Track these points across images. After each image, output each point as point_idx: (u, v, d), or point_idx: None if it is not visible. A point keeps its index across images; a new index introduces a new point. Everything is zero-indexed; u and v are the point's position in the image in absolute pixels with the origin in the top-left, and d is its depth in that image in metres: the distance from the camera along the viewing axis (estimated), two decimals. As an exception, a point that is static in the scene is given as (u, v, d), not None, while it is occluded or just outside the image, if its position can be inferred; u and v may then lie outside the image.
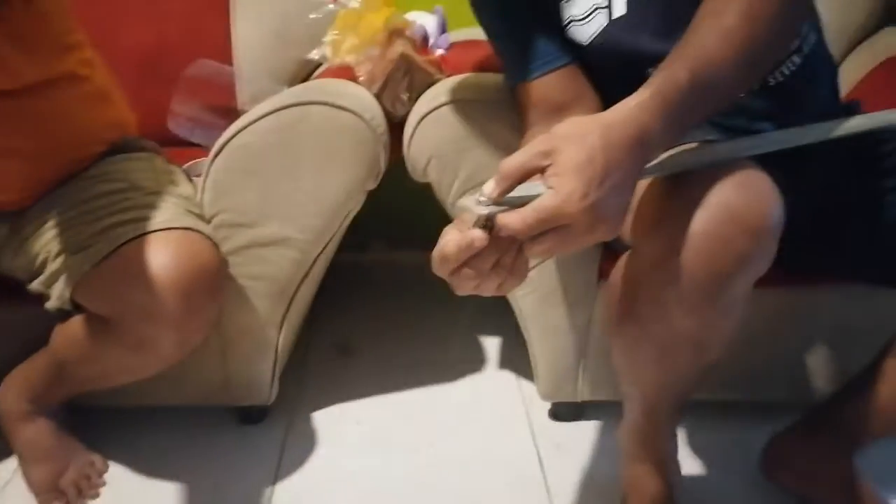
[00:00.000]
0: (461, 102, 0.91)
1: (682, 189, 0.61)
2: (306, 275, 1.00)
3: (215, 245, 0.89)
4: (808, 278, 0.97)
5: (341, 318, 1.45)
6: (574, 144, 0.52)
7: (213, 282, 0.85)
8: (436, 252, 0.56)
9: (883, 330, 0.87)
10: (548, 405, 1.16)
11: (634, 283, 0.68)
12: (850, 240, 0.85)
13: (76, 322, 0.89)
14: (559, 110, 0.79)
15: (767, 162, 0.64)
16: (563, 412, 1.15)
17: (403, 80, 0.95)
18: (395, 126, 0.97)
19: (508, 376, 1.27)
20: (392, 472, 1.05)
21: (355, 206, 0.97)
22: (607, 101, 0.81)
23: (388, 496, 1.00)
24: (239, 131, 0.91)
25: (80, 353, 0.89)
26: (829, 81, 0.85)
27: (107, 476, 1.04)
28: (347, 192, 0.94)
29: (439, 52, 1.09)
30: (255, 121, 0.90)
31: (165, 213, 0.86)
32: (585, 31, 0.78)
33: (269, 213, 0.94)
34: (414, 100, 0.96)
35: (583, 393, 1.09)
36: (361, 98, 0.93)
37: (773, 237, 0.60)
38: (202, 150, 1.24)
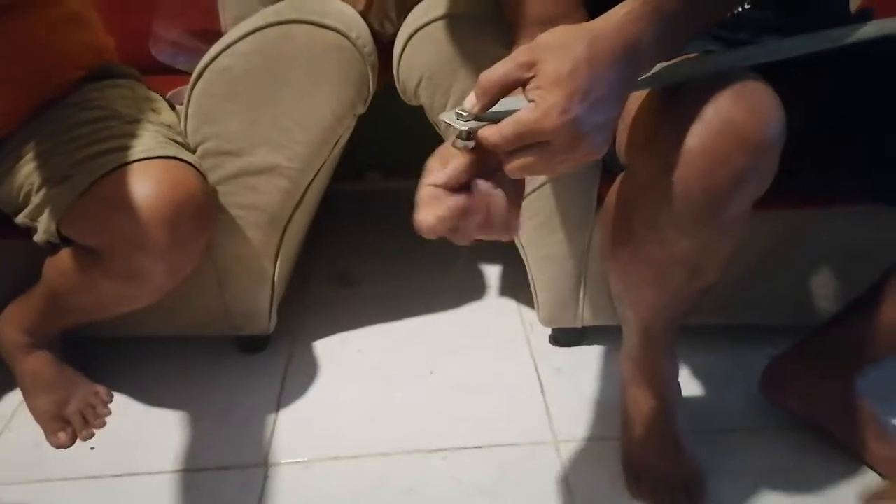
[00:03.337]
0: (451, 18, 0.86)
1: (677, 102, 0.57)
2: (298, 204, 0.98)
3: (201, 173, 0.87)
4: (814, 199, 0.94)
5: (341, 248, 1.44)
6: (557, 55, 0.48)
7: (199, 210, 0.83)
8: (420, 219, 0.51)
9: (889, 251, 0.84)
10: (548, 331, 1.15)
11: (628, 203, 0.65)
12: (862, 156, 0.81)
13: (65, 255, 0.88)
14: (546, 24, 0.74)
15: (772, 73, 0.59)
16: (564, 337, 1.15)
17: (388, 9, 0.89)
18: (384, 47, 0.93)
19: (509, 303, 1.26)
20: (393, 398, 1.05)
21: (345, 131, 0.93)
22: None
23: (389, 422, 1.01)
24: (218, 54, 0.87)
25: (72, 285, 0.89)
26: None
27: (112, 406, 1.05)
28: (336, 116, 0.90)
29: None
30: (235, 42, 0.86)
31: (147, 142, 0.84)
32: None
33: (255, 140, 0.91)
34: (402, 17, 0.91)
35: (583, 318, 1.08)
36: (346, 16, 0.87)
37: (773, 152, 0.57)
38: (186, 76, 1.21)
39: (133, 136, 0.84)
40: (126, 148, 0.82)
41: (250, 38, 0.85)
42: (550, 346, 1.15)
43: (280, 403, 1.05)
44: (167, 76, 1.16)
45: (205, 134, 0.91)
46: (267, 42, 0.85)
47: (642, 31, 0.50)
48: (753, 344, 1.07)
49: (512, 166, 0.51)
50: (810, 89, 0.74)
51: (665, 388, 0.86)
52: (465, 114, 0.51)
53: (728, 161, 0.55)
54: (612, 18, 0.50)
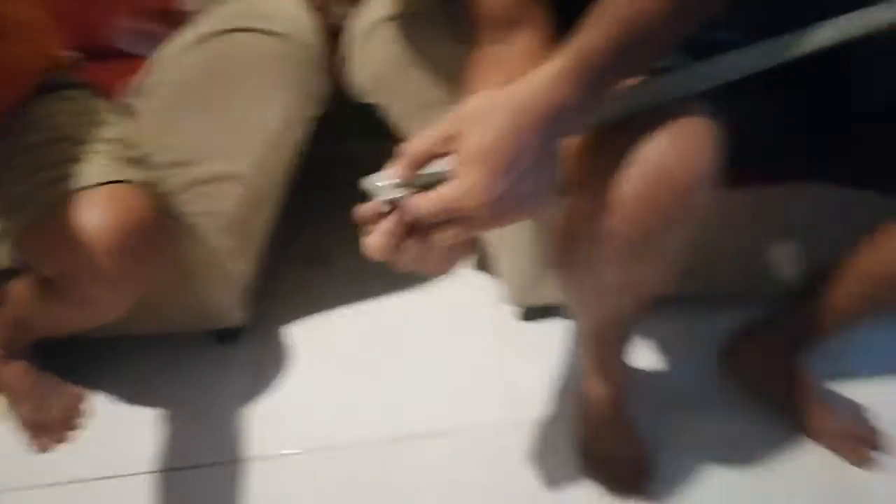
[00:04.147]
0: (400, 18, 0.84)
1: (612, 143, 0.57)
2: (259, 208, 0.98)
3: (151, 193, 0.86)
4: (784, 177, 0.95)
5: (315, 226, 1.42)
6: (480, 129, 0.49)
7: (148, 235, 0.82)
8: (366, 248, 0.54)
9: (850, 231, 0.85)
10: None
11: (568, 233, 0.66)
12: (840, 141, 0.82)
13: (23, 282, 0.88)
14: (509, 26, 0.73)
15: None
16: (533, 313, 1.18)
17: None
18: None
19: (483, 280, 1.28)
20: (365, 385, 1.09)
21: (300, 135, 0.93)
22: (562, 15, 0.75)
23: (361, 410, 1.05)
24: (165, 66, 0.85)
25: (32, 309, 0.90)
26: None
27: (92, 406, 1.08)
28: (287, 121, 0.89)
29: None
30: (182, 53, 0.84)
31: (94, 167, 0.82)
32: None
33: (207, 150, 0.90)
34: (352, 2, 0.88)
35: (548, 297, 1.11)
36: (292, 17, 0.85)
37: (705, 193, 0.58)
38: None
39: (80, 160, 0.82)
40: (73, 175, 0.80)
41: (197, 48, 0.83)
42: (519, 322, 1.18)
43: (255, 392, 1.08)
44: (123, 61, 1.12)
45: (156, 145, 0.89)
46: (213, 52, 0.83)
47: (568, 95, 0.50)
48: (713, 315, 1.10)
49: (437, 238, 0.51)
50: (786, 80, 0.74)
51: (618, 378, 0.90)
52: (388, 182, 0.52)
53: (659, 206, 0.56)
54: (535, 82, 0.50)
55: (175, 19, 1.16)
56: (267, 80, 0.85)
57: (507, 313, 1.20)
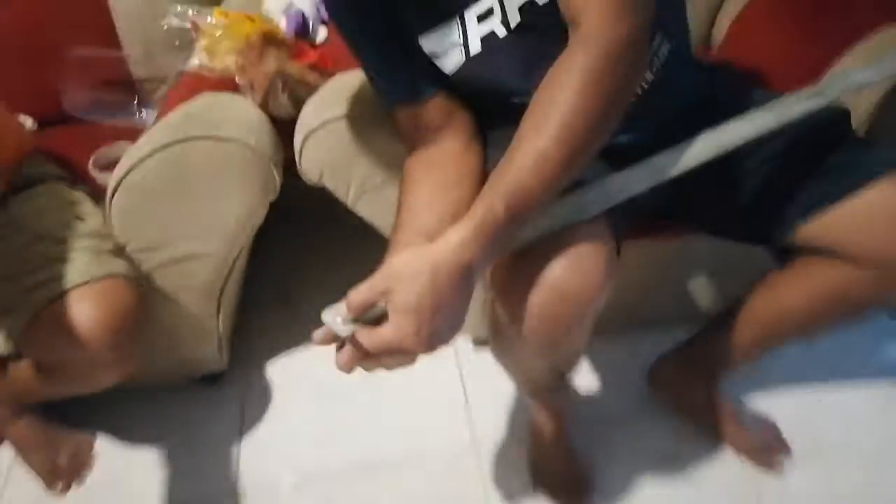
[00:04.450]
0: (345, 118, 0.92)
1: (520, 265, 0.68)
2: (228, 275, 1.08)
3: (132, 281, 0.95)
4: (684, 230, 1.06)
5: (278, 263, 1.51)
6: (406, 287, 0.60)
7: (135, 322, 0.92)
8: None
9: (751, 263, 0.96)
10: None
11: (493, 328, 0.78)
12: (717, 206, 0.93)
13: (24, 365, 0.99)
14: (434, 131, 0.82)
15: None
16: (484, 339, 1.30)
17: (283, 93, 0.95)
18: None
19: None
20: (341, 415, 1.22)
21: (259, 218, 1.02)
22: (482, 115, 0.84)
23: (340, 440, 1.18)
24: (128, 171, 0.93)
25: (33, 385, 1.01)
26: (690, 73, 0.87)
27: (97, 449, 1.20)
28: (247, 212, 0.98)
29: (320, 37, 1.05)
30: (143, 160, 0.92)
31: (78, 265, 0.91)
32: (446, 65, 0.78)
33: (175, 238, 0.99)
34: (300, 106, 0.97)
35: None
36: (245, 122, 0.94)
37: (600, 303, 0.69)
38: (104, 125, 1.25)
39: (64, 259, 0.92)
40: (59, 276, 0.90)
41: (155, 156, 0.91)
42: (475, 346, 1.30)
43: (242, 430, 1.21)
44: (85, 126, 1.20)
45: (128, 237, 0.99)
46: (170, 159, 0.92)
47: (473, 256, 0.61)
48: (645, 338, 1.23)
49: (383, 365, 0.64)
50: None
51: (558, 411, 1.03)
52: (339, 319, 0.63)
53: (560, 321, 0.68)
54: (448, 246, 0.61)
55: (130, 89, 1.24)
56: (223, 181, 0.94)
57: (463, 340, 1.31)
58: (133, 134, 1.10)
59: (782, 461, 1.07)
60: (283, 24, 1.07)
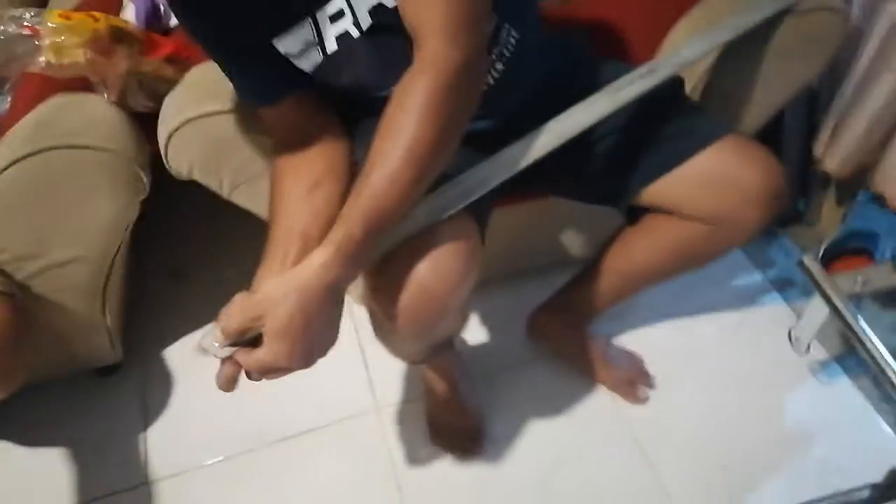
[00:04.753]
0: (207, 116, 0.91)
1: (388, 267, 0.73)
2: (109, 273, 1.07)
3: (6, 295, 0.93)
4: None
5: (168, 243, 1.50)
6: (277, 312, 0.64)
7: (10, 338, 0.91)
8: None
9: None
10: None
11: (371, 313, 0.83)
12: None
13: None
14: (299, 130, 0.84)
15: None
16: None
17: (140, 91, 0.93)
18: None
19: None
20: (249, 387, 1.23)
21: (133, 216, 1.01)
22: (346, 108, 0.86)
23: (247, 416, 1.21)
24: (-16, 184, 0.90)
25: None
26: (539, 55, 0.91)
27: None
28: (118, 215, 0.98)
29: (174, 21, 1.02)
30: (2, 171, 0.89)
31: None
32: (305, 65, 0.79)
33: (46, 246, 0.98)
34: (160, 100, 0.95)
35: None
36: (101, 124, 0.91)
37: (465, 292, 0.76)
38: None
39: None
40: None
41: (12, 169, 0.89)
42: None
43: (147, 420, 1.23)
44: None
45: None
46: (31, 170, 0.89)
47: (336, 275, 0.65)
48: (525, 287, 1.32)
49: (263, 378, 0.68)
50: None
51: (449, 372, 1.12)
52: (216, 344, 0.67)
53: (427, 315, 0.74)
54: (310, 268, 0.64)
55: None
56: (86, 189, 0.92)
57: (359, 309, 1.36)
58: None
59: (645, 393, 1.21)
60: (131, 13, 1.03)
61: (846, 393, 1.20)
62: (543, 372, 1.25)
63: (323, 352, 0.68)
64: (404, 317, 0.73)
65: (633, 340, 1.28)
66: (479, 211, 0.81)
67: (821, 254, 1.37)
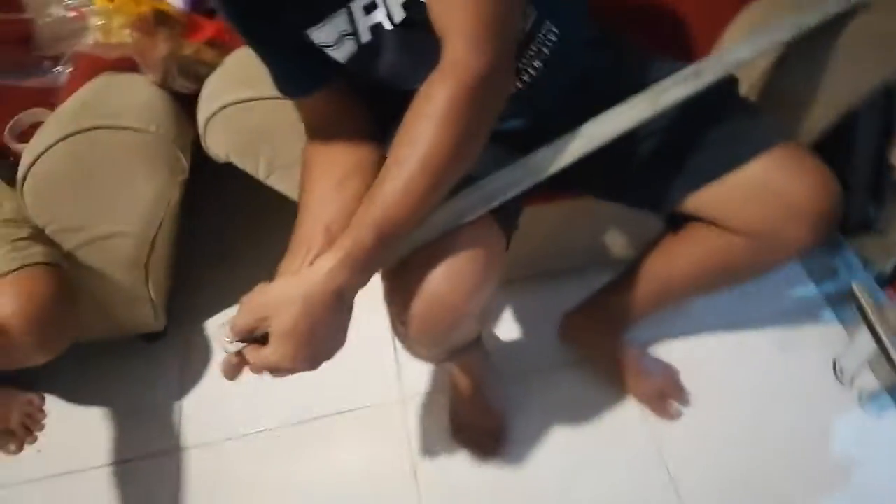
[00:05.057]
0: (243, 102, 0.92)
1: (403, 274, 0.72)
2: (151, 248, 1.11)
3: (50, 265, 0.98)
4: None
5: (216, 224, 1.53)
6: (282, 313, 0.64)
7: (58, 306, 0.96)
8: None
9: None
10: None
11: (391, 321, 0.83)
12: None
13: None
14: (331, 123, 0.83)
15: None
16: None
17: (181, 73, 0.94)
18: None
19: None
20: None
21: (175, 196, 1.04)
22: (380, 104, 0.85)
23: (275, 397, 1.23)
24: (35, 160, 0.94)
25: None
26: (580, 54, 0.87)
27: (48, 408, 1.27)
28: (157, 195, 1.01)
29: (218, 5, 1.02)
30: (46, 150, 0.93)
31: (-6, 258, 0.94)
32: (339, 55, 0.78)
33: (90, 220, 1.02)
34: (202, 82, 0.96)
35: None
36: (144, 106, 0.94)
37: (481, 306, 0.74)
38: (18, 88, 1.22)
39: (-20, 249, 0.94)
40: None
41: (60, 145, 0.92)
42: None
43: (183, 388, 1.28)
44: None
45: (45, 220, 1.01)
46: (76, 149, 0.93)
47: (344, 281, 0.64)
48: (562, 287, 1.28)
49: (270, 377, 0.68)
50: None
51: (475, 370, 1.10)
52: (228, 339, 0.68)
53: (441, 324, 0.73)
54: (318, 272, 0.64)
55: (35, 48, 1.21)
56: (127, 168, 0.96)
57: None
58: (48, 98, 1.10)
59: (678, 409, 1.16)
60: (177, -3, 1.04)
61: (894, 427, 1.12)
62: (573, 377, 1.22)
63: (329, 355, 0.68)
64: (416, 324, 0.73)
65: (671, 350, 1.23)
66: (505, 215, 0.79)
67: (888, 272, 1.27)
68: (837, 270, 1.33)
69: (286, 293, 0.64)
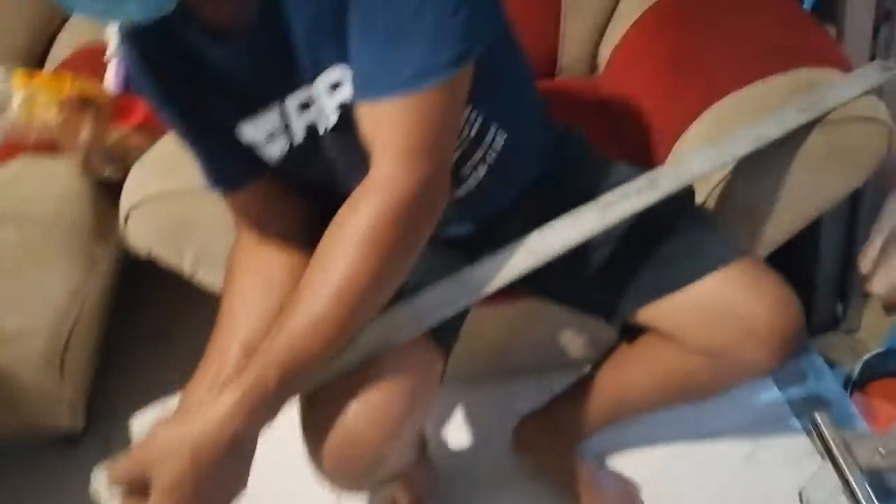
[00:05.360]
0: (170, 193, 0.86)
1: (316, 407, 0.65)
2: (66, 346, 1.01)
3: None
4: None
5: (153, 297, 1.42)
6: (164, 468, 0.56)
7: None
8: None
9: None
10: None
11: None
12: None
13: None
14: (262, 222, 0.77)
15: None
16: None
17: (106, 162, 0.88)
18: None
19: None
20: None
21: (91, 292, 0.96)
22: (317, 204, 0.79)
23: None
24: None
25: None
26: (530, 159, 0.83)
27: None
28: (71, 290, 0.93)
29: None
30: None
31: None
32: (268, 154, 0.72)
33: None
34: (128, 169, 0.90)
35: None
36: (61, 195, 0.87)
37: (408, 441, 0.67)
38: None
39: None
40: None
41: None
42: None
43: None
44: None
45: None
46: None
47: (241, 425, 0.56)
48: (519, 387, 1.21)
49: None
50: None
51: (418, 487, 1.01)
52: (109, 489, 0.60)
53: (355, 463, 0.65)
54: (212, 420, 0.56)
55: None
56: (39, 261, 0.88)
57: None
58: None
59: (636, 528, 1.07)
60: (110, 74, 0.98)
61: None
62: (525, 491, 1.13)
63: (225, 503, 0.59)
64: (330, 462, 0.65)
65: (629, 463, 1.15)
66: (443, 328, 0.72)
67: (855, 375, 1.22)
68: (805, 374, 1.28)
69: (172, 443, 0.56)
